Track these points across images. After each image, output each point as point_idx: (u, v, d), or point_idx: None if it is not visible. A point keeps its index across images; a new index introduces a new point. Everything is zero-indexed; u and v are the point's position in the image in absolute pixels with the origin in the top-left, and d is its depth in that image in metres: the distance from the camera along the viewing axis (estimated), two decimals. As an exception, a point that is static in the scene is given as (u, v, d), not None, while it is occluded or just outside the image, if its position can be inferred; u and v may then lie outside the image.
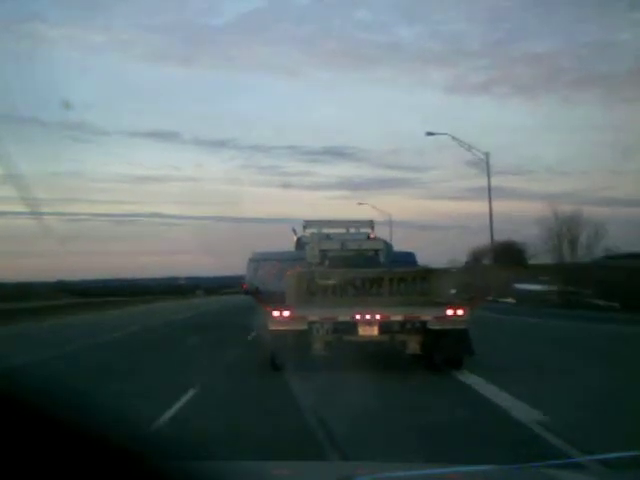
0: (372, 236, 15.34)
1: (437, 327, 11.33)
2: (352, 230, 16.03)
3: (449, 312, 11.35)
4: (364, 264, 13.46)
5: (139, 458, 1.26)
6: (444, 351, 11.33)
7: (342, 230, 16.23)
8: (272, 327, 11.41)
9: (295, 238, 18.75)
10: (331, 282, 11.92)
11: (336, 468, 3.30)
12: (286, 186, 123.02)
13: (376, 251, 14.47)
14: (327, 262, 13.93)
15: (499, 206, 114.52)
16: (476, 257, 79.25)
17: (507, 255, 65.82)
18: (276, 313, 11.36)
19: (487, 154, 40.32)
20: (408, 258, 17.51)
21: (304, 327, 11.33)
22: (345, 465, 4.06)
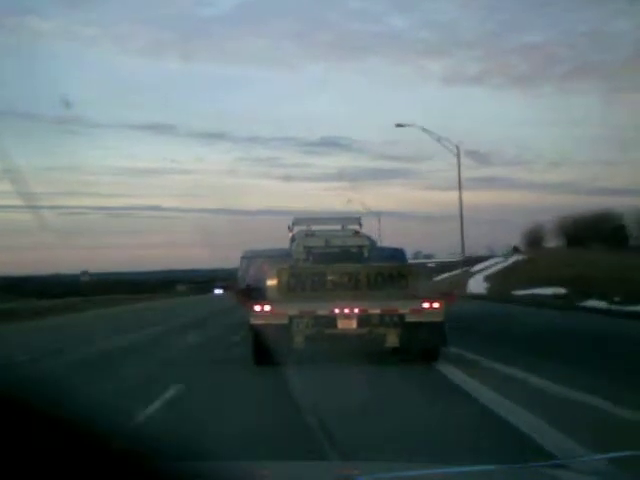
0: (357, 232, 15.66)
1: (414, 320, 11.69)
2: (339, 227, 16.36)
3: (425, 305, 11.71)
4: (348, 260, 13.80)
5: (139, 458, 1.26)
6: (421, 343, 11.68)
7: (330, 227, 16.57)
8: (254, 321, 11.81)
9: (290, 235, 19.09)
10: (311, 277, 12.29)
11: (336, 468, 3.34)
12: (285, 178, 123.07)
13: (360, 247, 14.80)
14: (311, 258, 14.29)
15: (496, 197, 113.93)
16: (534, 240, 57.39)
17: (597, 233, 45.78)
18: (257, 308, 11.77)
19: (458, 146, 38.74)
20: (396, 254, 17.81)
21: (285, 321, 11.72)
22: (345, 465, 4.05)
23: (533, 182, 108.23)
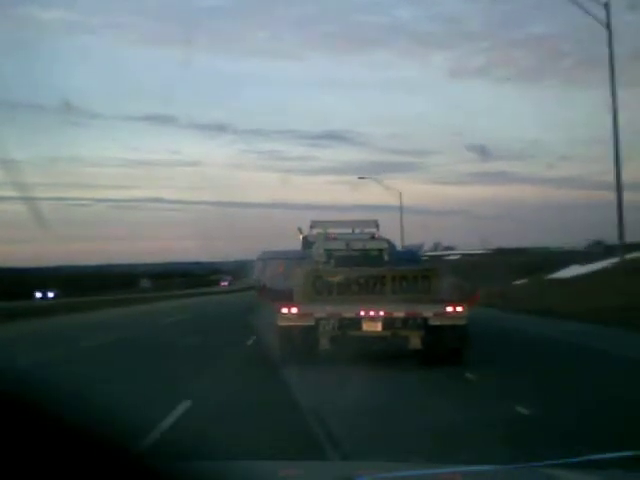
0: (376, 236, 15.89)
1: (437, 323, 11.94)
2: (356, 230, 16.58)
3: (449, 309, 11.95)
4: (368, 263, 14.02)
5: (139, 458, 1.27)
6: (444, 346, 11.91)
7: (347, 230, 16.78)
8: (281, 323, 12.04)
9: (301, 237, 19.28)
10: (337, 280, 12.51)
11: (336, 468, 3.37)
12: (289, 172, 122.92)
13: (380, 250, 15.02)
14: (332, 261, 14.49)
15: (499, 191, 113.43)
16: None
17: None
18: (285, 310, 12.00)
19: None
20: (412, 256, 18.03)
21: (311, 323, 11.97)
22: (345, 465, 4.12)
23: (538, 176, 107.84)
